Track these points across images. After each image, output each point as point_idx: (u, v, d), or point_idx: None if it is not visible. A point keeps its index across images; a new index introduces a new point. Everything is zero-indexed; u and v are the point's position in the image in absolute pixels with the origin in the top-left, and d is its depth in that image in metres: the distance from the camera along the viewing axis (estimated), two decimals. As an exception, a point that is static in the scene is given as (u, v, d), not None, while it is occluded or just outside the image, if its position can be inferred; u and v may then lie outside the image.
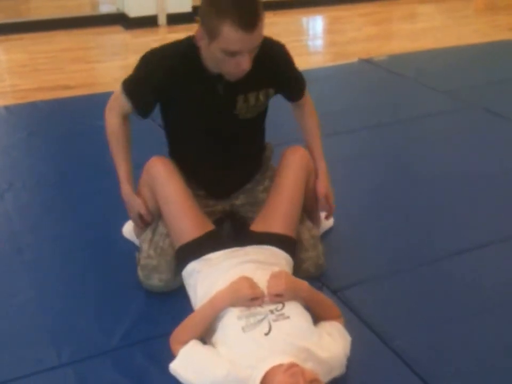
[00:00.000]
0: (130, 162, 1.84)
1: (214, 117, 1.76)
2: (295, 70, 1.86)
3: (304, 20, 5.45)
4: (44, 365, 1.57)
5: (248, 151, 1.89)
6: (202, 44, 1.59)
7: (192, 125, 1.79)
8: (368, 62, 3.95)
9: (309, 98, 1.95)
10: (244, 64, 1.53)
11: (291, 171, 1.81)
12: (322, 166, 1.91)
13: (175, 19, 4.92)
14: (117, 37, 4.77)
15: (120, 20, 4.97)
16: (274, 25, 5.04)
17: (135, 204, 1.82)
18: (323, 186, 1.89)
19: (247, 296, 1.47)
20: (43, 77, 3.76)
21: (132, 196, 1.83)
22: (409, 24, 5.20)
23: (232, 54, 1.51)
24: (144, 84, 1.72)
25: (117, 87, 1.79)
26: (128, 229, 2.08)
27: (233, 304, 1.49)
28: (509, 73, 3.74)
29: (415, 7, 5.78)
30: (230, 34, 1.47)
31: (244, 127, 1.80)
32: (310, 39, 4.98)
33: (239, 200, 1.93)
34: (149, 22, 4.87)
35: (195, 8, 5.12)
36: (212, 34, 1.50)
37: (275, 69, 1.75)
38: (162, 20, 4.94)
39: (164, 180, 1.76)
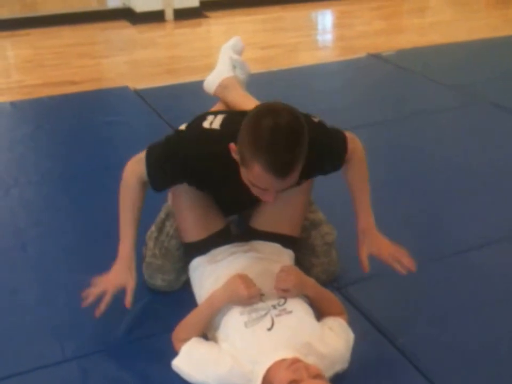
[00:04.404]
0: (136, 234, 1.68)
1: (239, 200, 1.64)
2: (337, 161, 1.63)
3: (313, 14, 5.41)
4: (48, 360, 1.57)
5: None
6: (236, 158, 1.44)
7: (212, 193, 1.72)
8: (376, 57, 3.92)
9: (355, 149, 1.67)
10: (268, 198, 1.43)
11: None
12: (368, 222, 1.69)
13: (182, 14, 4.92)
14: (123, 32, 4.76)
15: (126, 14, 4.96)
16: (283, 20, 5.02)
17: (122, 278, 1.63)
18: (376, 246, 1.67)
19: (243, 297, 1.46)
20: (49, 73, 3.75)
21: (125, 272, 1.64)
22: (418, 19, 5.15)
23: (259, 187, 1.41)
24: (170, 176, 1.59)
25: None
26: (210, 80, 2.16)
27: (231, 303, 1.49)
28: (518, 68, 3.71)
29: (425, 1, 5.73)
30: (260, 174, 1.34)
31: None
32: (318, 34, 4.94)
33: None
34: (155, 17, 4.86)
35: (202, 3, 5.10)
36: (244, 163, 1.38)
37: (314, 173, 1.63)
38: (169, 15, 4.92)
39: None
